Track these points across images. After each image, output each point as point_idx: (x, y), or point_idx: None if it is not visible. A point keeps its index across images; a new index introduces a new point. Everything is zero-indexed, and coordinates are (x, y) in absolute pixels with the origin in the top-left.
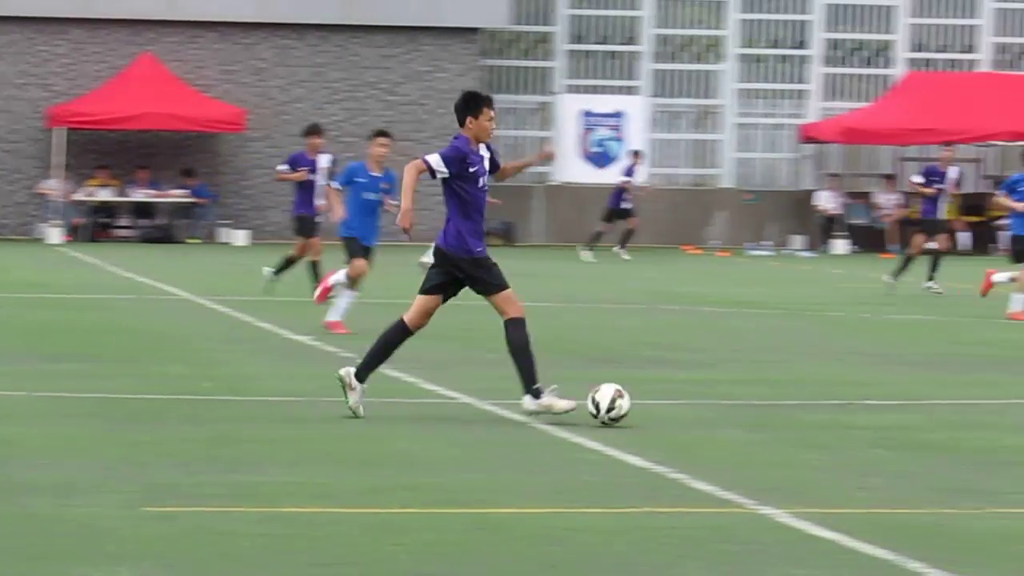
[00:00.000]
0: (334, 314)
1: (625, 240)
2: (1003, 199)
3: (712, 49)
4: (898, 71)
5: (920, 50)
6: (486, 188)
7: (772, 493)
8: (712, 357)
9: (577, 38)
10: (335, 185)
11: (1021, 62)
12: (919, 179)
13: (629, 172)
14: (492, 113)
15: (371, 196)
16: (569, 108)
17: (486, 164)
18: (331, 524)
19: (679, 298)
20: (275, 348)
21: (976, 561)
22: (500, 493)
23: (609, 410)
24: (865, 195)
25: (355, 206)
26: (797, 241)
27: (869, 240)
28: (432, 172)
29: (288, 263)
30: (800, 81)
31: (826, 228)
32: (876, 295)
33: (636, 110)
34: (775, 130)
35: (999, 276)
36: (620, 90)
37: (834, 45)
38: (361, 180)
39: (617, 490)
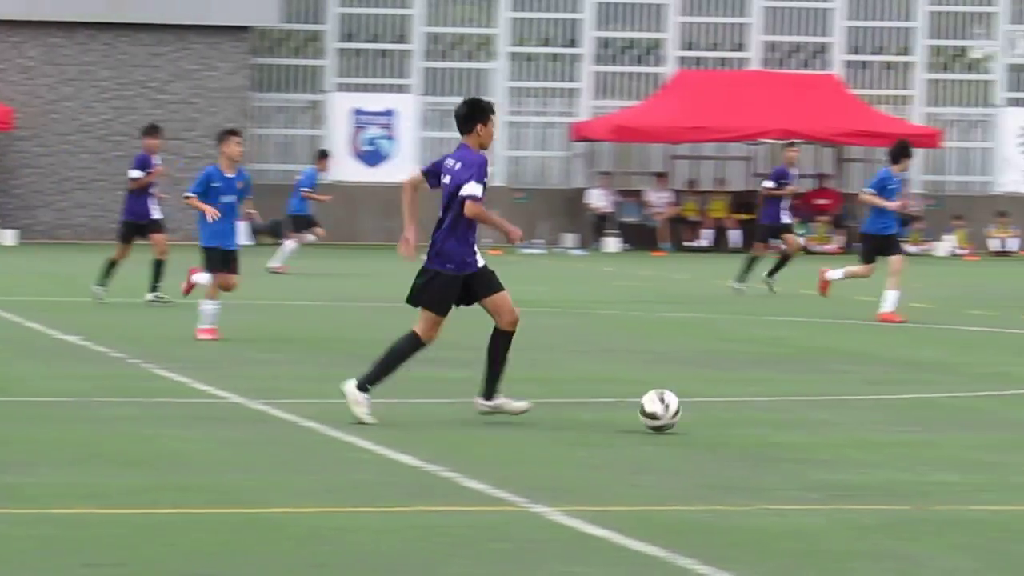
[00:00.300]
0: (205, 322)
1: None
2: (874, 198)
3: (483, 47)
4: (669, 69)
5: (690, 48)
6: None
7: (544, 491)
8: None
9: (347, 36)
10: (191, 193)
11: (791, 60)
12: (771, 184)
13: None
14: (495, 119)
15: (229, 199)
16: (340, 106)
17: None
18: (101, 525)
19: None
20: (44, 348)
21: (746, 557)
22: (271, 492)
23: (676, 412)
24: (636, 193)
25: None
26: (569, 239)
27: (640, 238)
28: (481, 199)
29: (110, 266)
30: (571, 79)
31: (598, 226)
32: (647, 292)
33: (407, 108)
34: (546, 128)
35: (833, 273)
36: (391, 88)
37: (605, 43)
38: (217, 184)
39: (388, 489)
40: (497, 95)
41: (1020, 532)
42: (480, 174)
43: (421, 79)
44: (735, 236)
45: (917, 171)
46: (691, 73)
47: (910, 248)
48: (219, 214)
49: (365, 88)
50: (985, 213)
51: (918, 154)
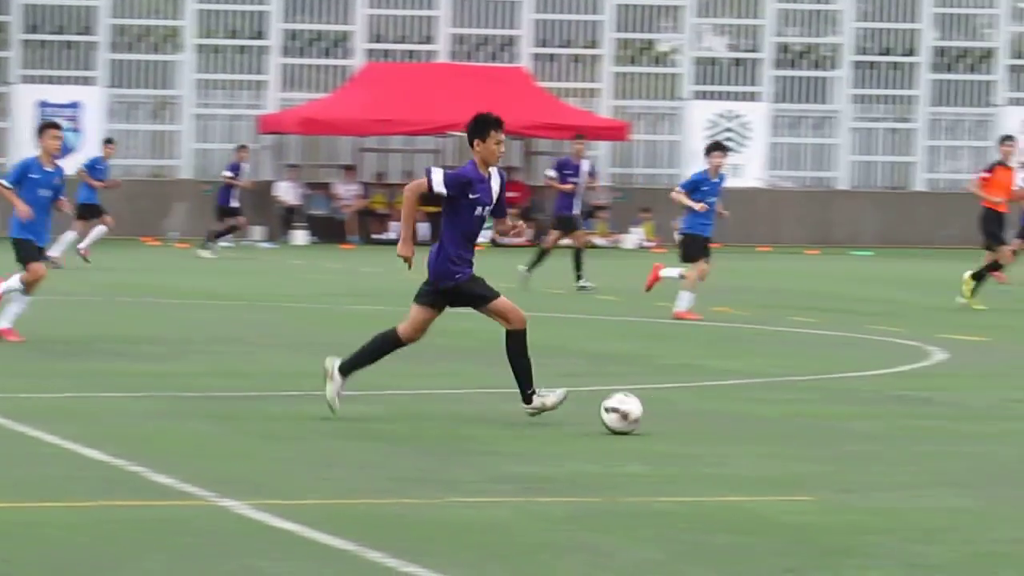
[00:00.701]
0: (5, 320)
1: (223, 234)
2: (681, 196)
3: (170, 39)
4: (357, 62)
5: (379, 41)
6: (484, 217)
7: (232, 485)
8: (172, 349)
9: (32, 27)
10: (6, 183)
11: (479, 53)
12: (553, 174)
13: (234, 168)
14: (500, 136)
15: (46, 193)
16: (25, 98)
17: (493, 194)
18: None
19: (138, 290)
20: None
21: (435, 550)
22: None
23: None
24: (325, 186)
25: (29, 204)
26: (257, 232)
27: (329, 231)
28: (431, 187)
29: None
30: (259, 72)
31: (286, 219)
32: (336, 285)
33: (93, 100)
34: (234, 121)
35: (668, 272)
36: (77, 80)
37: (292, 35)
38: (35, 176)
39: (76, 484)
40: (184, 87)
41: (708, 523)
42: (451, 172)
43: (107, 71)
44: (423, 229)
45: (604, 163)
46: (379, 65)
47: (597, 240)
48: (32, 214)
49: (50, 80)
50: (672, 206)
51: (604, 147)
